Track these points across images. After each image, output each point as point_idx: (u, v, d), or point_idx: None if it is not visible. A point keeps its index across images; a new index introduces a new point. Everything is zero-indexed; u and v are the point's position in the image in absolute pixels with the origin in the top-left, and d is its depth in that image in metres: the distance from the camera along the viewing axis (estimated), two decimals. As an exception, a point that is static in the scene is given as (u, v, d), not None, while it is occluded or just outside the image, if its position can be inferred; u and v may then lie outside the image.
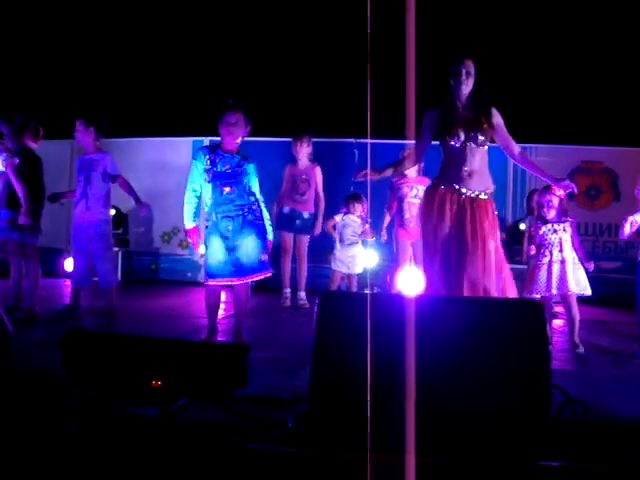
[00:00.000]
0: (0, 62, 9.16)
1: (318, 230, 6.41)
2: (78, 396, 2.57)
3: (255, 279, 4.18)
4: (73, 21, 9.34)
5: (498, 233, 3.96)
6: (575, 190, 4.00)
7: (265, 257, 4.14)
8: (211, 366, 2.45)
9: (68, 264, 5.52)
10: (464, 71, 3.82)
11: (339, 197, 6.57)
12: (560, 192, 4.58)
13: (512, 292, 3.91)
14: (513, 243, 7.04)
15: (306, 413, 2.30)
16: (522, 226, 7.27)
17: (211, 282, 4.12)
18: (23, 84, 9.19)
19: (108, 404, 2.49)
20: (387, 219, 6.33)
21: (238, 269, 4.04)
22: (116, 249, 8.46)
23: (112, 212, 8.16)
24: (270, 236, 4.26)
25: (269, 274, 4.20)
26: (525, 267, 6.81)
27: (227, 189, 4.06)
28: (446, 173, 3.91)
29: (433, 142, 4.11)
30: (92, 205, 5.07)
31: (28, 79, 9.31)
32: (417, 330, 2.17)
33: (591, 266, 4.57)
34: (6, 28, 9.14)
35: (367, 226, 6.31)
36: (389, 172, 4.31)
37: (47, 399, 2.57)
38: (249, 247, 4.05)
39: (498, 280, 3.80)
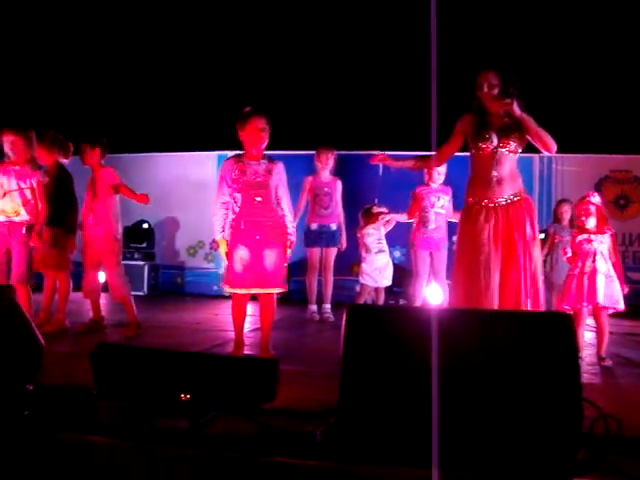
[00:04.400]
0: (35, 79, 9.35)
1: (344, 244, 6.44)
2: (109, 408, 2.60)
3: (275, 291, 4.13)
4: (99, 42, 9.50)
5: (537, 234, 3.90)
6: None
7: (285, 271, 4.13)
8: (240, 379, 2.46)
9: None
10: (486, 84, 3.81)
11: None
12: (596, 199, 4.53)
13: (541, 304, 3.86)
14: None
15: (334, 426, 2.30)
16: (541, 236, 7.22)
17: (233, 290, 4.12)
18: (53, 100, 9.36)
19: (138, 416, 2.51)
20: (403, 218, 6.25)
21: (261, 278, 4.04)
22: (142, 263, 8.60)
23: (144, 226, 8.31)
24: (293, 238, 4.21)
25: (285, 289, 4.19)
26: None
27: (258, 199, 4.06)
28: (475, 184, 3.88)
29: (462, 153, 4.09)
30: (101, 220, 5.13)
31: (57, 96, 9.47)
32: (445, 344, 2.16)
33: (625, 289, 4.45)
34: (34, 47, 9.33)
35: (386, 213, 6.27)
36: (409, 163, 4.25)
37: (78, 411, 2.60)
38: (273, 258, 4.05)
39: (533, 292, 3.76)
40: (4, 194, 4.75)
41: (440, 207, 5.96)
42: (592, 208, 4.48)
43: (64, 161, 5.38)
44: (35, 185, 4.82)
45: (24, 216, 4.76)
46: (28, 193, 4.80)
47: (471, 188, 3.92)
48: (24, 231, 4.73)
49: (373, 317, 2.36)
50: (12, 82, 9.26)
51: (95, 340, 3.62)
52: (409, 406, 2.20)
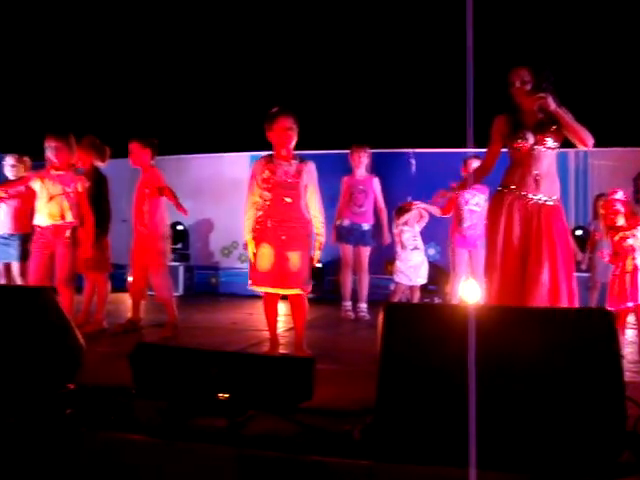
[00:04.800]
0: (62, 83, 9.51)
1: (388, 240, 6.41)
2: (147, 407, 2.63)
3: (296, 292, 4.10)
4: (131, 44, 9.62)
5: (569, 239, 3.84)
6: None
7: (308, 273, 4.11)
8: (278, 378, 2.47)
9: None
10: (518, 81, 3.76)
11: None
12: (620, 195, 4.48)
13: (577, 302, 3.79)
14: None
15: (372, 425, 2.29)
16: (578, 232, 7.13)
17: (256, 287, 4.14)
18: (83, 105, 9.51)
19: (176, 415, 2.54)
20: (436, 211, 6.15)
21: (283, 279, 4.03)
22: (177, 264, 8.69)
23: (179, 228, 8.37)
24: (322, 238, 4.21)
25: (309, 290, 4.16)
26: (587, 275, 6.68)
27: (287, 199, 4.06)
28: (512, 178, 3.80)
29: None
30: (148, 221, 5.18)
31: (87, 99, 9.62)
32: (483, 341, 2.14)
33: None
34: (67, 52, 9.50)
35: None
36: (462, 186, 4.23)
37: (117, 410, 2.64)
38: (297, 260, 4.03)
39: (566, 290, 3.69)
40: (50, 198, 4.81)
41: (474, 205, 5.90)
42: (619, 205, 4.43)
43: (100, 165, 5.46)
44: (80, 189, 4.89)
45: (69, 219, 4.82)
46: (73, 197, 4.86)
47: (507, 178, 3.85)
48: (68, 234, 4.80)
49: (411, 315, 2.35)
50: (49, 86, 9.44)
51: (133, 340, 3.67)
52: (448, 405, 2.18)
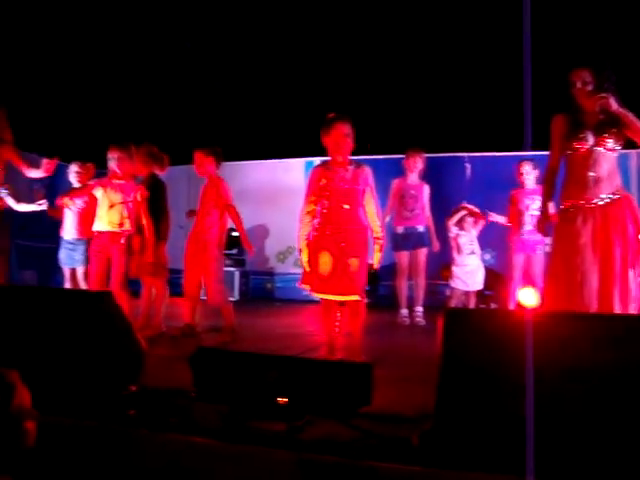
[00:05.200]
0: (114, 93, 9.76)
1: (437, 246, 6.36)
2: (207, 410, 2.67)
3: (355, 298, 4.07)
4: (187, 54, 9.81)
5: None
6: None
7: (365, 282, 4.10)
8: (336, 383, 2.47)
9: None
10: (579, 81, 3.67)
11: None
12: None
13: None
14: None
15: (432, 431, 2.27)
16: None
17: (316, 294, 4.14)
18: (137, 113, 9.72)
19: (236, 418, 2.57)
20: (502, 220, 6.16)
21: (343, 286, 4.01)
22: (233, 269, 8.79)
23: (235, 234, 8.47)
24: (382, 242, 4.17)
25: (364, 300, 4.13)
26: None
27: (346, 206, 4.05)
28: (570, 185, 3.72)
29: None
30: (207, 229, 5.23)
31: (142, 108, 9.84)
32: (543, 348, 2.10)
33: None
34: (124, 60, 9.75)
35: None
36: (550, 201, 4.08)
37: (178, 412, 2.69)
38: (357, 266, 4.01)
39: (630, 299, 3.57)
40: (111, 206, 4.99)
41: (536, 209, 5.79)
42: None
43: (159, 173, 5.57)
44: (139, 199, 5.03)
45: (126, 227, 4.97)
46: (131, 206, 5.00)
47: (566, 191, 3.76)
48: (123, 241, 4.94)
49: (471, 321, 2.32)
50: (106, 96, 9.70)
51: (191, 344, 3.73)
52: (507, 412, 2.14)
